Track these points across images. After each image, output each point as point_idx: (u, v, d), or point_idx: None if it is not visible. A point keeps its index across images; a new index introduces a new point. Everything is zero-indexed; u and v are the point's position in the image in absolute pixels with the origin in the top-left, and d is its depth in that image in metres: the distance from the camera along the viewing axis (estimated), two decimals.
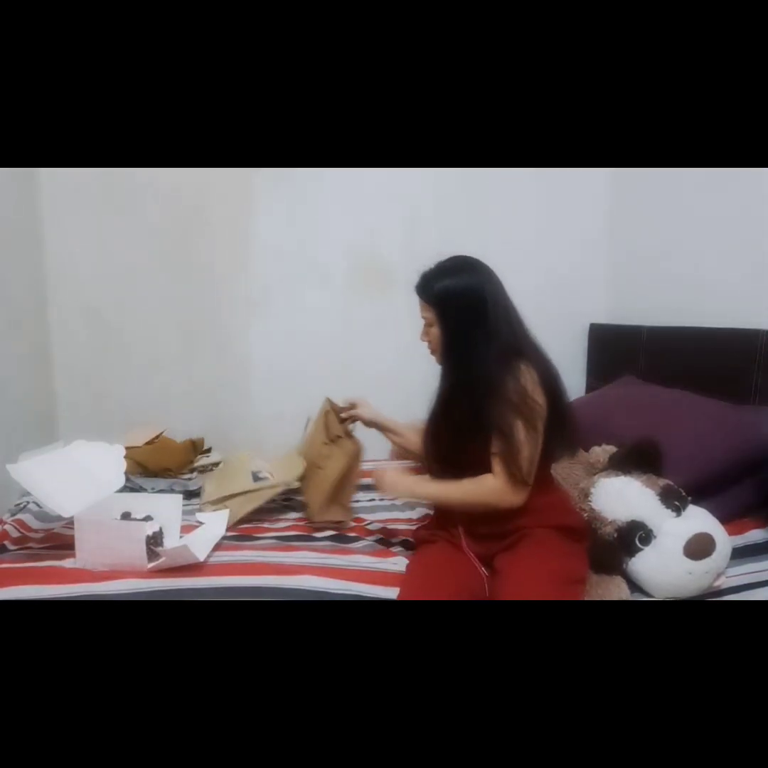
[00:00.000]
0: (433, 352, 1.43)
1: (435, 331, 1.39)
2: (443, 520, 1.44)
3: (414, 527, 1.65)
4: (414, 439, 1.58)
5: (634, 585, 1.37)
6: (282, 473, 1.74)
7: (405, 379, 2.17)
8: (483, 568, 1.33)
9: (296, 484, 1.70)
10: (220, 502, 1.65)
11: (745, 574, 1.41)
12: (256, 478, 1.73)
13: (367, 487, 2.00)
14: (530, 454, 1.30)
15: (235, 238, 2.44)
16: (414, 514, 1.78)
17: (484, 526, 1.35)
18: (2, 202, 2.05)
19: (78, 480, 1.53)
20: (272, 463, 1.84)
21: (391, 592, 1.29)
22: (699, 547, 1.30)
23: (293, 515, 1.75)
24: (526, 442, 1.29)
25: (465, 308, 1.34)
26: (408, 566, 1.39)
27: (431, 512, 1.73)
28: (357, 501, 1.91)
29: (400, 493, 1.49)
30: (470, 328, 1.34)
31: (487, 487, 1.31)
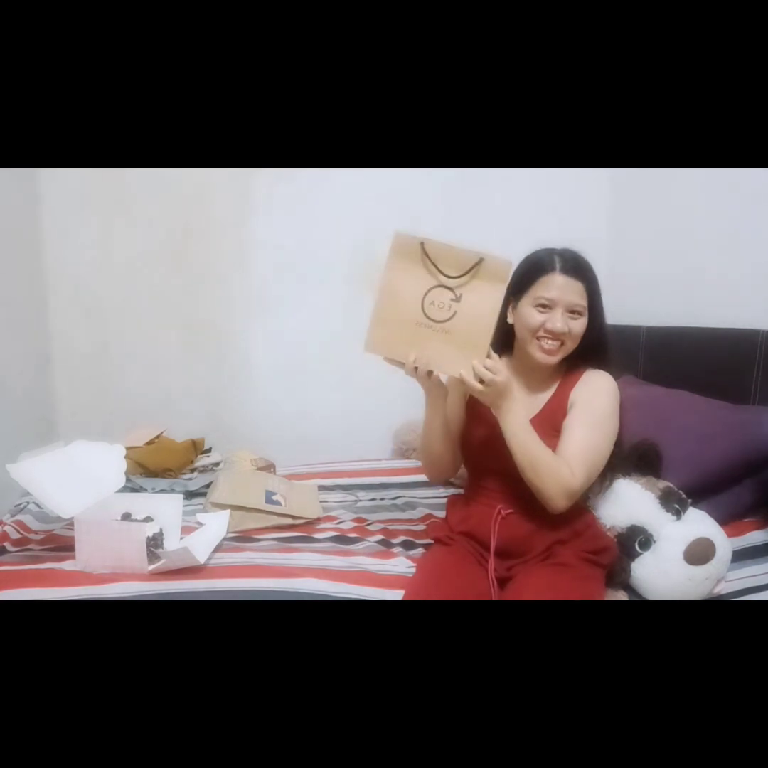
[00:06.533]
0: (553, 352, 1.29)
1: (580, 323, 1.29)
2: (468, 526, 1.36)
3: (416, 527, 1.65)
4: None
5: (634, 592, 1.36)
6: (295, 503, 1.70)
7: (405, 379, 2.17)
8: (497, 588, 1.26)
9: (302, 521, 1.65)
10: (226, 508, 1.64)
11: (746, 577, 1.41)
12: (268, 498, 1.69)
13: (369, 487, 2.02)
14: (599, 468, 1.29)
15: (235, 238, 2.43)
16: (415, 514, 1.78)
17: (516, 544, 1.30)
18: (2, 202, 2.05)
19: (78, 480, 1.53)
20: (288, 487, 1.80)
21: (392, 595, 1.28)
22: (699, 553, 1.29)
23: None
24: (605, 451, 1.30)
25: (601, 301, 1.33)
26: (419, 566, 1.35)
27: (433, 513, 1.74)
28: (357, 500, 1.91)
29: (505, 407, 1.21)
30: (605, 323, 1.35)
31: (564, 473, 1.22)
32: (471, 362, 1.20)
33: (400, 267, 1.27)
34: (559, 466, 1.22)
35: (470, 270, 1.22)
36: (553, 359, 1.30)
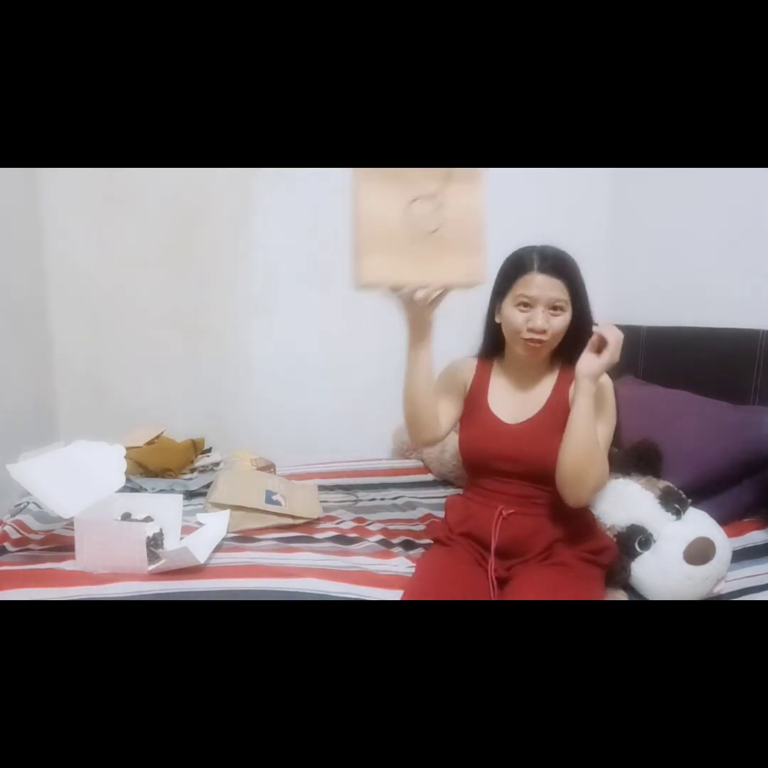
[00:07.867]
0: (536, 349, 1.31)
1: (561, 319, 1.29)
2: (468, 527, 1.36)
3: (416, 527, 1.65)
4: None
5: (634, 592, 1.36)
6: (295, 503, 1.70)
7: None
8: (496, 588, 1.26)
9: (302, 521, 1.65)
10: (226, 508, 1.64)
11: (745, 577, 1.41)
12: (268, 498, 1.69)
13: (369, 487, 2.02)
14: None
15: (235, 238, 2.43)
16: (415, 514, 1.78)
17: (516, 544, 1.30)
18: (2, 202, 2.05)
19: (78, 480, 1.53)
20: (288, 487, 1.80)
21: (392, 595, 1.28)
22: (699, 552, 1.30)
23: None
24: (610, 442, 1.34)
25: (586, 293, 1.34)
26: (418, 566, 1.35)
27: (433, 513, 1.74)
28: (357, 500, 1.91)
29: (596, 371, 1.24)
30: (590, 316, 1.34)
31: (605, 465, 1.28)
32: (471, 263, 1.18)
33: (371, 191, 1.16)
34: (604, 458, 1.26)
35: (443, 180, 1.17)
36: (537, 356, 1.33)
